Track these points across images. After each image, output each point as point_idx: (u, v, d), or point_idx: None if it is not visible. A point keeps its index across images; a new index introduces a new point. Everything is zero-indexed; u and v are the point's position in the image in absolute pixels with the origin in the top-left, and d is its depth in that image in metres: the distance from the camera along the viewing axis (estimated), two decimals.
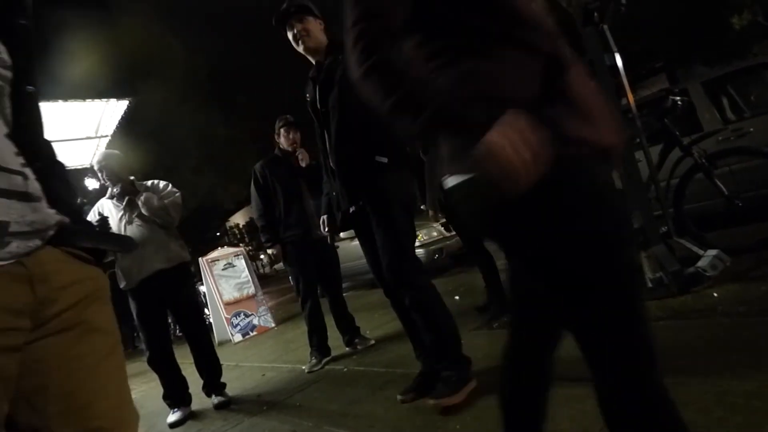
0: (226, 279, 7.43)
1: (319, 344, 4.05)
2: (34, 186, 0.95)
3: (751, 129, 4.24)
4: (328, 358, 4.01)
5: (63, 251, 1.00)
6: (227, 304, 7.18)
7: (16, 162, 0.93)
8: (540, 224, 0.94)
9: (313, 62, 2.74)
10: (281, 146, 4.21)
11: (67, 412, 0.95)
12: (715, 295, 2.78)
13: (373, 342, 4.11)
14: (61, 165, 1.12)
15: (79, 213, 1.18)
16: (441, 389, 2.34)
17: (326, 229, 2.95)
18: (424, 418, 2.31)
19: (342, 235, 8.33)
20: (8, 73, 0.99)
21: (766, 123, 4.22)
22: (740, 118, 4.63)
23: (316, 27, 2.71)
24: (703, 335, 2.26)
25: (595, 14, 3.26)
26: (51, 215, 0.97)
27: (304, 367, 3.99)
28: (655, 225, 3.22)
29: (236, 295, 7.34)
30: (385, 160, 2.47)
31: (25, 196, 0.92)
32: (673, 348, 2.22)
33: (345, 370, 3.66)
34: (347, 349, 4.16)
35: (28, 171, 0.95)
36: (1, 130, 0.94)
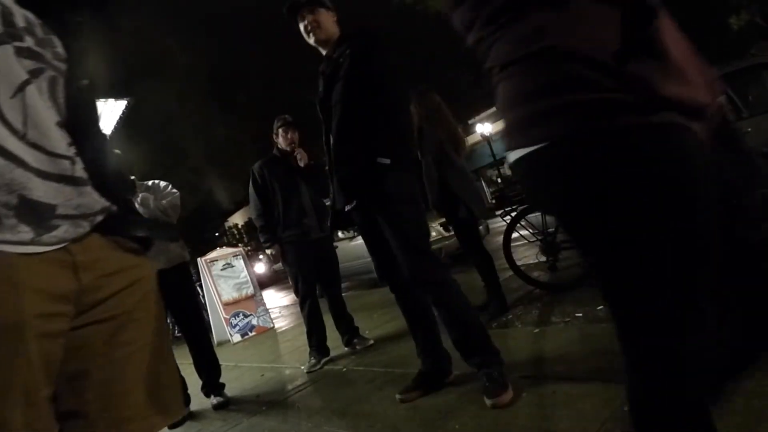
0: (224, 279, 7.42)
1: (318, 344, 4.05)
2: (81, 171, 0.99)
3: (749, 129, 4.25)
4: (327, 358, 4.01)
5: (110, 239, 1.04)
6: (226, 305, 7.18)
7: (64, 148, 0.98)
8: (624, 204, 0.80)
9: (324, 55, 2.65)
10: (279, 146, 4.21)
11: (104, 399, 0.98)
12: None
13: (372, 342, 4.11)
14: (113, 155, 1.17)
15: (128, 202, 1.21)
16: (491, 387, 2.22)
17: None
18: (424, 418, 2.31)
19: (340, 234, 8.34)
20: (63, 66, 1.04)
21: (765, 123, 4.22)
22: (738, 118, 4.64)
23: (328, 19, 2.63)
24: None
25: None
26: (97, 200, 1.01)
27: (303, 368, 3.98)
28: None
29: (235, 295, 7.34)
30: (387, 161, 2.37)
31: (71, 180, 0.96)
32: None
33: (344, 370, 3.66)
34: (346, 349, 4.16)
35: (76, 157, 0.99)
36: (53, 118, 0.98)
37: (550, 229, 4.09)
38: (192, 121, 20.10)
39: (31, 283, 0.87)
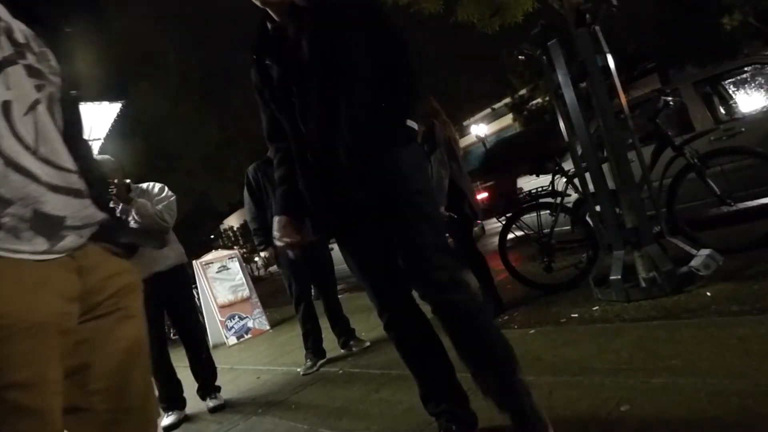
0: (220, 282, 7.40)
1: (314, 346, 4.04)
2: (83, 183, 1.07)
3: (743, 129, 4.27)
4: (323, 360, 4.00)
5: (101, 246, 1.13)
6: (222, 307, 7.16)
7: (71, 162, 1.06)
8: None
9: (269, 25, 1.85)
10: None
11: (106, 391, 1.06)
12: (708, 294, 2.79)
13: (368, 344, 4.11)
14: (98, 163, 1.22)
15: (113, 210, 1.28)
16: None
17: (284, 239, 2.03)
18: (420, 420, 2.31)
19: None
20: (58, 80, 1.10)
21: (758, 123, 4.25)
22: (732, 118, 4.67)
23: None
24: (696, 334, 2.27)
25: (588, 16, 3.28)
26: (97, 212, 1.10)
27: (299, 370, 3.98)
28: (648, 225, 3.24)
29: (231, 297, 7.32)
30: (415, 126, 1.78)
31: (78, 193, 1.05)
32: (667, 347, 2.23)
33: (340, 372, 3.65)
34: (342, 351, 4.16)
35: (77, 169, 1.08)
36: (56, 132, 1.05)
37: (546, 230, 4.10)
38: (186, 123, 20.04)
39: (51, 286, 0.96)
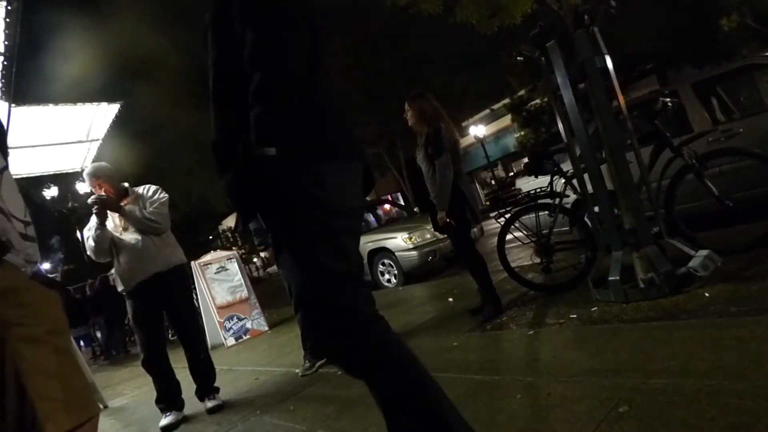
0: (219, 283, 7.40)
1: (312, 347, 4.02)
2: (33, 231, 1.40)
3: (741, 130, 4.27)
4: (321, 362, 3.99)
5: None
6: (220, 308, 7.15)
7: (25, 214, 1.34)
8: None
9: None
10: None
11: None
12: (707, 295, 2.79)
13: None
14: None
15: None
16: None
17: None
18: None
19: None
20: None
21: (756, 124, 4.25)
22: (730, 119, 4.67)
23: None
24: (694, 335, 2.27)
25: (586, 17, 3.28)
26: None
27: (297, 371, 3.97)
28: (646, 226, 3.24)
29: (229, 298, 7.31)
30: (273, 151, 1.31)
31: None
32: (665, 348, 2.23)
33: (339, 373, 3.64)
34: None
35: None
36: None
37: (544, 231, 4.10)
38: (185, 123, 20.02)
39: None
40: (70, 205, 17.94)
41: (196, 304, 7.15)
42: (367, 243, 7.93)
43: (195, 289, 7.34)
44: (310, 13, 1.49)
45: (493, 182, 27.57)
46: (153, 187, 3.77)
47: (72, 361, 1.24)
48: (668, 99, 3.60)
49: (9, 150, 1.40)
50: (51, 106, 5.96)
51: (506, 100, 24.41)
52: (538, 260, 4.21)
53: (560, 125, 3.64)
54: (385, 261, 8.00)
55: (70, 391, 1.16)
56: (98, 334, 11.73)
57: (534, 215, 4.18)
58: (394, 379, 1.45)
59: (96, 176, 3.57)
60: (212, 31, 1.46)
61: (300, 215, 1.39)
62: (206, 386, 3.76)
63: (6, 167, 1.35)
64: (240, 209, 1.40)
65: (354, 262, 1.47)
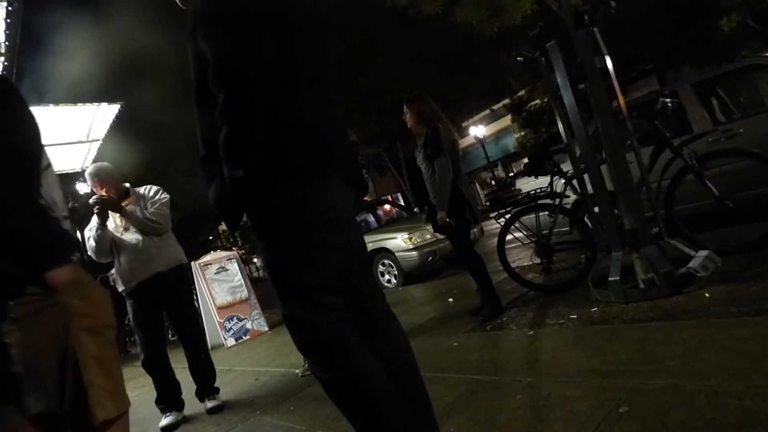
0: (219, 283, 7.40)
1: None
2: None
3: (741, 130, 4.28)
4: None
5: None
6: (220, 308, 7.16)
7: None
8: None
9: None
10: None
11: None
12: (707, 295, 2.80)
13: None
14: None
15: None
16: None
17: None
18: None
19: None
20: None
21: (756, 124, 4.26)
22: (730, 119, 4.67)
23: None
24: (694, 336, 2.27)
25: (586, 17, 3.28)
26: None
27: (297, 371, 3.97)
28: (646, 226, 3.24)
29: (229, 299, 7.32)
30: (240, 173, 1.35)
31: None
32: (665, 349, 2.23)
33: None
34: None
35: None
36: None
37: (544, 231, 4.10)
38: (184, 123, 20.03)
39: None
40: (70, 205, 17.95)
41: (197, 305, 7.15)
42: (367, 243, 7.90)
43: (195, 290, 7.35)
44: (286, 13, 1.46)
45: (493, 182, 27.57)
46: (154, 188, 3.78)
47: (117, 354, 1.39)
48: (668, 99, 3.60)
49: None
50: (51, 106, 5.97)
51: (506, 101, 24.43)
52: (538, 260, 4.21)
53: (560, 126, 3.64)
54: (385, 261, 8.00)
55: (115, 382, 1.32)
56: None
57: (534, 216, 4.18)
58: (346, 404, 1.50)
59: (97, 176, 3.57)
60: (190, 49, 1.45)
61: (267, 230, 1.45)
62: (206, 386, 3.76)
63: (50, 164, 1.44)
64: (225, 220, 1.49)
65: (326, 275, 1.47)
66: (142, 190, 3.76)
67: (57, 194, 1.44)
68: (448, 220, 3.71)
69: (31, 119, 1.37)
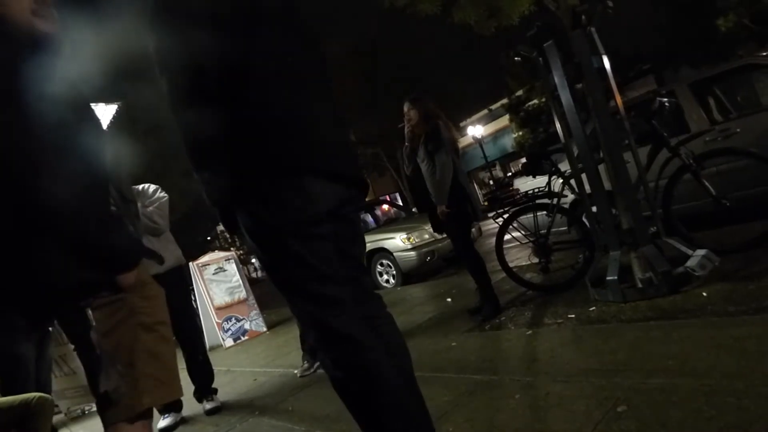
0: (217, 283, 7.39)
1: (311, 348, 4.03)
2: None
3: (738, 130, 4.28)
4: (320, 362, 3.99)
5: None
6: (218, 309, 7.14)
7: None
8: None
9: None
10: None
11: None
12: (704, 294, 2.80)
13: None
14: None
15: None
16: None
17: None
18: None
19: None
20: None
21: (752, 123, 4.26)
22: (727, 119, 4.68)
23: None
24: (692, 335, 2.28)
25: (583, 17, 3.29)
26: None
27: (296, 372, 3.97)
28: (644, 225, 3.25)
29: (227, 299, 7.30)
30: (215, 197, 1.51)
31: None
32: (663, 348, 2.24)
33: None
34: None
35: None
36: None
37: (542, 231, 4.10)
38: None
39: None
40: None
41: (195, 305, 7.14)
42: (366, 243, 7.91)
43: (193, 290, 7.33)
44: (255, 6, 1.38)
45: (491, 182, 27.59)
46: (153, 186, 3.75)
47: (171, 348, 1.58)
48: (665, 99, 3.61)
49: None
50: None
51: (504, 101, 24.47)
52: (536, 260, 4.22)
53: (558, 125, 3.64)
54: (384, 261, 8.00)
55: (166, 373, 1.48)
56: None
57: (532, 215, 4.19)
58: (358, 404, 1.54)
59: None
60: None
61: (251, 233, 1.47)
62: (204, 387, 3.75)
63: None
64: (222, 223, 1.62)
65: (321, 269, 1.44)
66: (139, 187, 3.73)
67: (127, 191, 1.68)
68: (447, 210, 3.73)
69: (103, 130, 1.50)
